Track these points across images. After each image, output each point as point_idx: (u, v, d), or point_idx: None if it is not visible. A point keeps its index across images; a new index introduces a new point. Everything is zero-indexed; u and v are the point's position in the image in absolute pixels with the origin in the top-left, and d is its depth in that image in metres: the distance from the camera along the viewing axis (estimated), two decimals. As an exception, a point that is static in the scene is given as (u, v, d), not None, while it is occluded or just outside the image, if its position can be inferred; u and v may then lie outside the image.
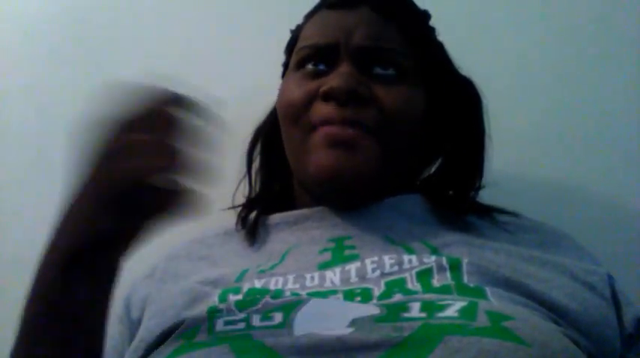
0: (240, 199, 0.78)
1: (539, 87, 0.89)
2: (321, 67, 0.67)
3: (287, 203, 0.74)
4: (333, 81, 0.64)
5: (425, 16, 0.73)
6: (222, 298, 0.58)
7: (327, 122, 0.64)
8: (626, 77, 0.86)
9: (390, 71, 0.66)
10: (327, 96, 0.64)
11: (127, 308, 0.67)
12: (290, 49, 0.75)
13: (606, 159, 0.85)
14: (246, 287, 0.58)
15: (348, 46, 0.66)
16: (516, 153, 0.85)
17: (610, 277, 0.62)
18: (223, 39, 0.96)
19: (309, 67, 0.68)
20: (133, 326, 0.64)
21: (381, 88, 0.65)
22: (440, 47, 0.73)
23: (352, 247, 0.62)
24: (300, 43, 0.70)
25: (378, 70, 0.66)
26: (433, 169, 0.75)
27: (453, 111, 0.72)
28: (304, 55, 0.68)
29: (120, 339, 0.66)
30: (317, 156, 0.63)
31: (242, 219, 0.72)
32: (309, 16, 0.73)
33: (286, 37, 0.77)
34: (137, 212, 0.45)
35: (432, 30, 0.73)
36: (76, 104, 0.99)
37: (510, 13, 0.91)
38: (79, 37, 1.00)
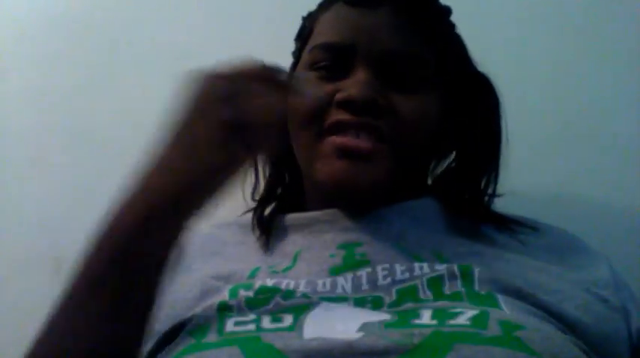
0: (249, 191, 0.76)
1: (537, 89, 0.89)
2: (337, 70, 0.64)
3: (299, 198, 0.72)
4: (351, 89, 0.61)
5: (447, 13, 0.70)
6: (233, 293, 0.57)
7: (340, 127, 0.62)
8: (627, 78, 0.87)
9: (409, 79, 0.64)
10: (344, 105, 0.62)
11: None
12: (302, 38, 0.71)
13: (606, 160, 0.85)
14: (257, 284, 0.58)
15: (367, 51, 0.63)
16: (515, 156, 0.85)
17: (621, 288, 0.62)
18: (224, 37, 0.96)
19: (324, 69, 0.65)
20: None
21: (399, 98, 0.63)
22: (459, 44, 0.71)
23: (363, 254, 0.61)
24: (315, 40, 0.67)
25: (397, 78, 0.63)
26: (447, 169, 0.73)
27: (469, 110, 0.69)
28: (319, 56, 0.66)
29: None
30: (326, 165, 0.62)
31: (258, 221, 0.70)
32: (324, 7, 0.70)
33: (290, 27, 0.74)
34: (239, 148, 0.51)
35: (453, 26, 0.71)
36: (76, 104, 1.00)
37: (510, 14, 0.91)
38: (78, 37, 1.00)
